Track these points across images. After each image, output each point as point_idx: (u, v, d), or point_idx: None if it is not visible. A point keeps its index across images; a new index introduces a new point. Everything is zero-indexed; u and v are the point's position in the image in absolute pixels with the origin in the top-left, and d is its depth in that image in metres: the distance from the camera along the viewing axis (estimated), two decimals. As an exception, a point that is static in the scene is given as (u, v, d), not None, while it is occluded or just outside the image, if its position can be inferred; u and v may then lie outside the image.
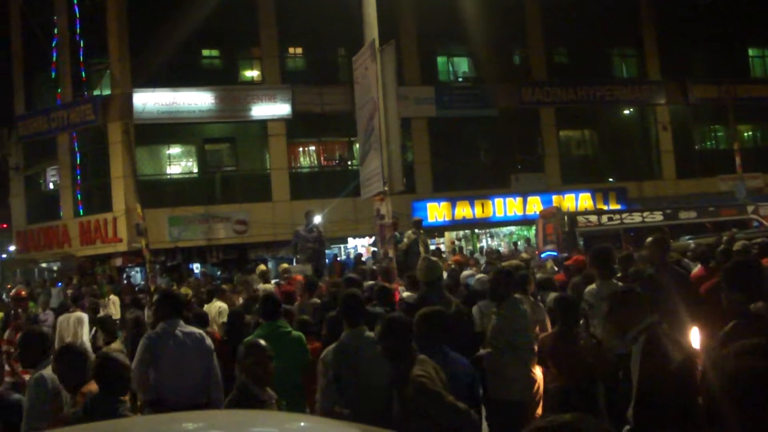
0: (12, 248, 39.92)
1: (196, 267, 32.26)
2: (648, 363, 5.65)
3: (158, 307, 8.95)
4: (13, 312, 18.57)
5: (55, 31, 34.40)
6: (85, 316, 14.87)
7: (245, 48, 35.54)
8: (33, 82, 36.44)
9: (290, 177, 33.97)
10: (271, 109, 33.62)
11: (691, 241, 19.43)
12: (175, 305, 8.49)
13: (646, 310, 6.02)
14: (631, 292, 6.30)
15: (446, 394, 5.80)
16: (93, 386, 6.19)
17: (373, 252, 31.55)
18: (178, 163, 34.52)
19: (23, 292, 23.00)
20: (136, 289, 26.88)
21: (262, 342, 6.59)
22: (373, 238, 27.69)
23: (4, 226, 56.08)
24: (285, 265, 21.15)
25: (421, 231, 21.84)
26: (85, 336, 14.25)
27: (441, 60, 38.14)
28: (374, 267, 18.17)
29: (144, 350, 8.04)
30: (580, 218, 26.96)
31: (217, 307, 15.22)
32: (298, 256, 22.80)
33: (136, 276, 32.44)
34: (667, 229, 13.03)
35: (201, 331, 8.45)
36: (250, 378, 6.13)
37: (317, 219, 27.64)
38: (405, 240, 20.91)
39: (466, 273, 14.19)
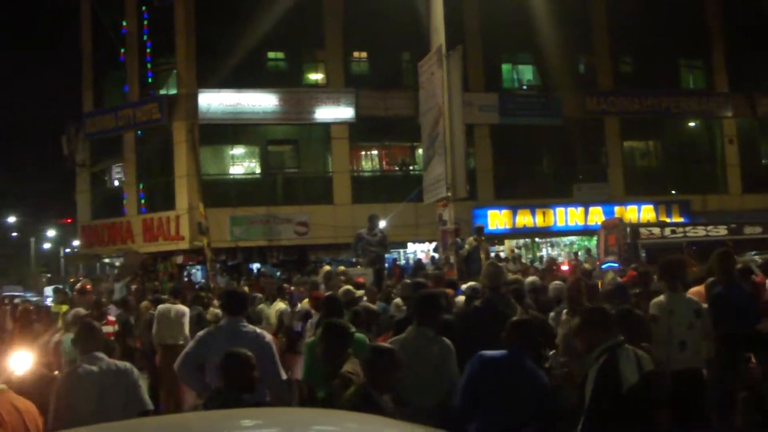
0: (76, 243, 40.58)
1: (256, 267, 32.40)
2: (601, 383, 5.91)
3: (223, 304, 8.97)
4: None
5: (124, 31, 34.86)
6: (186, 309, 14.99)
7: (310, 51, 35.70)
8: (101, 80, 37.03)
9: (352, 180, 34.09)
10: (335, 112, 33.75)
11: (756, 257, 19.11)
12: (240, 303, 8.51)
13: (612, 330, 6.22)
14: (599, 311, 6.51)
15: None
16: None
17: (432, 257, 31.53)
18: (241, 163, 34.82)
19: (88, 286, 23.33)
20: (196, 287, 27.12)
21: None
22: (434, 244, 27.62)
23: (69, 221, 57.11)
24: (341, 268, 21.16)
25: (483, 238, 21.77)
26: (186, 328, 14.38)
27: (505, 67, 37.98)
28: (437, 272, 18.14)
29: (197, 344, 8.09)
30: (642, 230, 26.72)
31: (277, 308, 15.28)
32: (359, 259, 22.76)
33: (197, 274, 32.71)
34: (731, 244, 12.83)
35: (260, 330, 8.45)
36: (372, 383, 5.99)
37: (381, 223, 27.75)
38: (466, 246, 20.87)
39: (530, 279, 14.05)
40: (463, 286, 12.85)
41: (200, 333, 8.43)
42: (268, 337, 8.38)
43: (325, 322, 8.03)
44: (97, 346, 7.30)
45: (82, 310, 13.16)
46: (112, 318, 14.99)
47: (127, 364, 7.47)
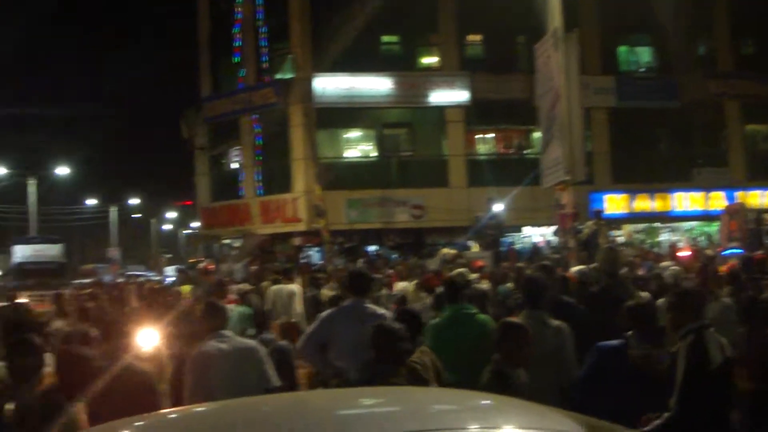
0: (196, 224, 41.45)
1: (372, 249, 32.57)
2: (692, 359, 6.09)
3: (348, 285, 9.00)
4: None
5: (239, 17, 35.33)
6: (298, 288, 15.25)
7: (424, 35, 35.70)
8: (218, 66, 37.64)
9: (467, 164, 33.93)
10: (450, 95, 33.67)
11: None
12: (365, 284, 8.53)
13: (700, 313, 6.56)
14: (691, 294, 6.83)
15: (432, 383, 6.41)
16: None
17: (548, 242, 31.27)
18: (357, 146, 35.04)
19: (211, 266, 23.85)
20: (313, 268, 27.41)
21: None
22: (551, 228, 27.35)
23: (188, 203, 58.32)
24: (453, 251, 21.15)
25: (602, 222, 21.50)
26: (298, 308, 14.60)
27: (622, 49, 37.31)
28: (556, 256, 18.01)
29: (321, 324, 8.13)
30: (766, 216, 25.95)
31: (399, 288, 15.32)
32: (477, 242, 22.69)
33: (314, 256, 33.06)
34: None
35: (382, 311, 8.44)
36: (505, 359, 6.04)
37: (498, 207, 27.62)
38: (585, 231, 20.64)
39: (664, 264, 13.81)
40: (572, 270, 12.70)
41: (324, 313, 8.47)
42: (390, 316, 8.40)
43: (398, 309, 8.05)
44: (223, 324, 7.48)
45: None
46: (234, 297, 15.26)
47: (254, 342, 7.62)
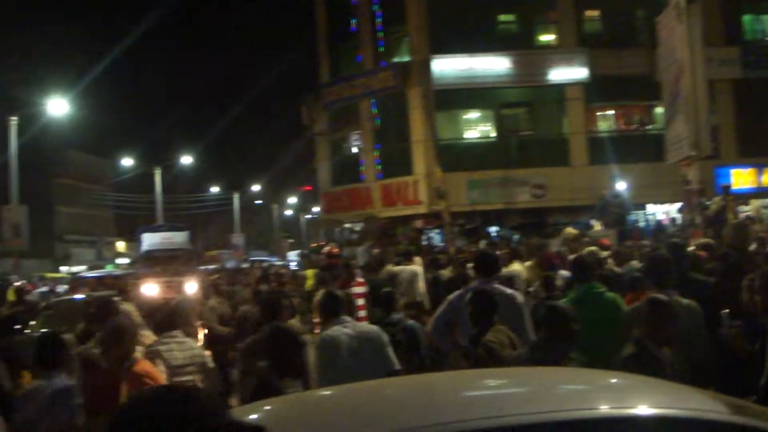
0: (317, 209, 42.03)
1: (494, 230, 32.49)
2: None
3: (474, 266, 9.04)
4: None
5: (354, 2, 35.65)
6: (420, 269, 15.44)
7: (541, 12, 35.32)
8: (336, 51, 38.07)
9: (588, 142, 33.47)
10: (568, 72, 33.26)
11: None
12: (492, 265, 8.55)
13: None
14: None
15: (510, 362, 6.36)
16: None
17: (672, 219, 30.64)
18: (476, 127, 34.95)
19: (335, 250, 24.11)
20: (434, 250, 27.50)
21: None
22: (676, 205, 26.85)
23: (309, 188, 59.16)
24: (572, 231, 20.91)
25: (730, 198, 20.99)
26: (421, 288, 14.79)
27: (747, 18, 36.10)
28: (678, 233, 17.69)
29: (449, 306, 8.19)
30: None
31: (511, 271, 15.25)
32: (601, 221, 22.41)
33: (435, 238, 33.15)
34: None
35: (511, 291, 8.44)
36: (650, 336, 6.02)
37: (622, 185, 27.20)
38: (712, 206, 20.19)
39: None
40: (695, 242, 12.47)
41: (451, 296, 8.53)
42: (520, 298, 8.38)
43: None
44: (341, 310, 7.61)
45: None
46: (360, 280, 15.45)
47: (375, 327, 7.76)
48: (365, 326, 7.85)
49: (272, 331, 6.32)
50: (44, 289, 30.14)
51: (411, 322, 9.80)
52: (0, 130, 39.93)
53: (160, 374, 6.62)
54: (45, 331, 10.34)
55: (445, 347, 8.34)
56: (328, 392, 4.88)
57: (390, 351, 7.39)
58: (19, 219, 38.01)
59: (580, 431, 3.39)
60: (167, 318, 7.57)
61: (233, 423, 2.35)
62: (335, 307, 7.61)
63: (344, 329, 7.24)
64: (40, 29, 69.72)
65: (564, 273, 12.44)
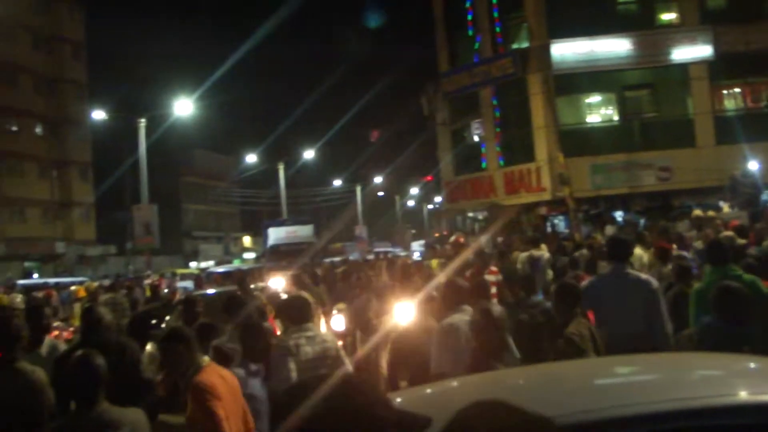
0: (439, 199, 42.14)
1: (619, 215, 32.08)
2: None
3: (608, 251, 9.00)
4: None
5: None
6: (546, 255, 15.52)
7: (662, -10, 34.60)
8: (454, 40, 38.08)
9: (714, 121, 32.62)
10: (692, 51, 32.50)
11: None
12: (624, 249, 8.50)
13: None
14: None
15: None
16: None
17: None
18: (598, 111, 34.51)
19: (462, 239, 24.22)
20: (560, 237, 27.34)
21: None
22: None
23: (430, 178, 59.28)
24: (711, 213, 20.50)
25: None
26: (549, 274, 14.87)
27: None
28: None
29: (585, 292, 8.16)
30: None
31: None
32: (730, 202, 21.90)
33: (560, 224, 32.94)
34: None
35: (645, 276, 8.37)
36: None
37: (753, 164, 26.50)
38: None
39: None
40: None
41: (585, 282, 8.55)
42: (655, 283, 8.29)
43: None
44: (462, 300, 7.69)
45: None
46: (494, 268, 15.51)
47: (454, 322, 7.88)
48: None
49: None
50: (185, 284, 31.10)
51: (549, 304, 9.94)
52: (129, 132, 41.33)
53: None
54: (173, 326, 10.77)
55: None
56: (469, 380, 4.92)
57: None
58: (150, 217, 39.26)
59: (717, 419, 3.32)
60: (298, 311, 7.77)
61: (401, 413, 2.45)
62: (458, 298, 7.76)
63: (464, 317, 7.34)
64: (164, 33, 71.56)
65: (685, 255, 12.31)
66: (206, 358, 6.00)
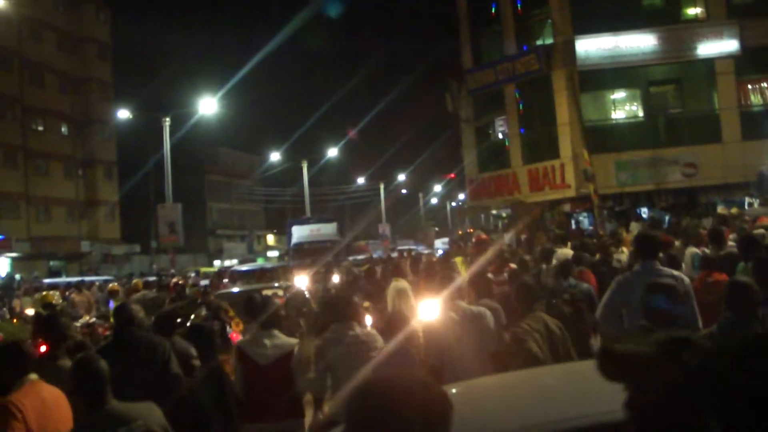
0: (462, 196, 42.08)
1: (644, 212, 31.91)
2: None
3: (636, 248, 8.95)
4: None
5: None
6: (570, 252, 15.48)
7: (687, -15, 34.36)
8: (478, 37, 37.99)
9: (741, 117, 32.26)
10: (718, 46, 32.20)
11: None
12: (651, 247, 8.42)
13: None
14: None
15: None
16: None
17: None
18: (623, 107, 34.32)
19: (483, 236, 24.25)
20: (585, 233, 27.25)
21: None
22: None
23: (453, 176, 59.14)
24: (735, 210, 20.35)
25: None
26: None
27: None
28: None
29: (615, 292, 8.10)
30: None
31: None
32: (758, 198, 21.75)
33: (584, 221, 32.81)
34: None
35: (677, 273, 8.27)
36: None
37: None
38: None
39: None
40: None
41: (616, 279, 8.48)
42: (687, 280, 8.22)
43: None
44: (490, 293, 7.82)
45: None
46: (513, 265, 15.49)
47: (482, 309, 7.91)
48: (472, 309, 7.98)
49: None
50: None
51: (585, 284, 10.20)
52: (154, 131, 41.57)
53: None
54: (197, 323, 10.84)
55: (614, 333, 8.05)
56: (502, 379, 4.90)
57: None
58: (174, 216, 39.48)
59: None
60: (341, 309, 7.75)
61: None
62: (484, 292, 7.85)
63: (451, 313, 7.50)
64: (188, 33, 71.88)
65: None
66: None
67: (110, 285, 26.07)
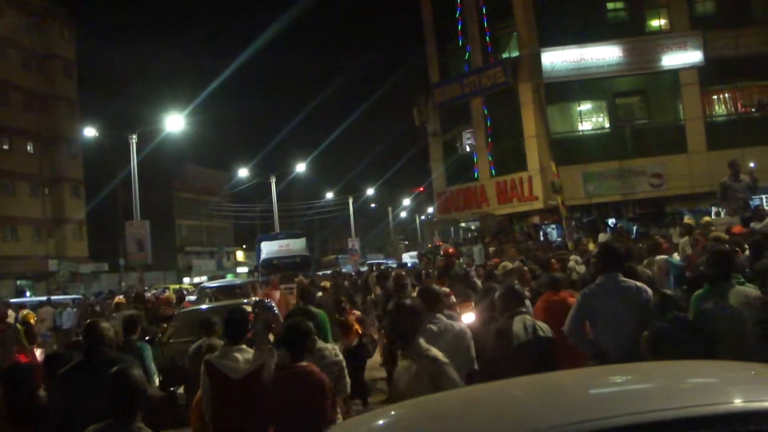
0: (431, 210, 42.11)
1: (612, 222, 32.02)
2: None
3: (597, 261, 8.88)
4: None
5: (459, 0, 35.63)
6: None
7: (651, -4, 34.65)
8: (444, 51, 38.10)
9: (706, 127, 32.56)
10: (682, 57, 32.48)
11: None
12: (615, 259, 8.36)
13: None
14: None
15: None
16: None
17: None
18: (589, 119, 34.48)
19: (451, 250, 24.17)
20: (553, 245, 27.26)
21: None
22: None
23: (421, 189, 59.25)
24: (706, 219, 20.40)
25: None
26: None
27: None
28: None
29: (580, 305, 8.05)
30: None
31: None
32: (724, 208, 21.83)
33: (552, 233, 32.89)
34: None
35: (639, 284, 8.22)
36: None
37: (744, 169, 26.40)
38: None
39: None
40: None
41: (580, 295, 8.41)
42: (650, 292, 8.18)
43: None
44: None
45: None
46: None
47: (461, 324, 8.00)
48: (452, 323, 7.88)
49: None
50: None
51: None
52: (121, 149, 41.29)
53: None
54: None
55: (583, 348, 7.98)
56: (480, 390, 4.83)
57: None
58: (143, 234, 39.18)
59: (713, 427, 3.21)
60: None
61: None
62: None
63: (432, 326, 7.46)
64: (155, 50, 71.74)
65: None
66: None
67: (117, 298, 25.84)
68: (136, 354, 9.79)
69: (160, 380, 11.03)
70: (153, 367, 10.50)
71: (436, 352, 5.71)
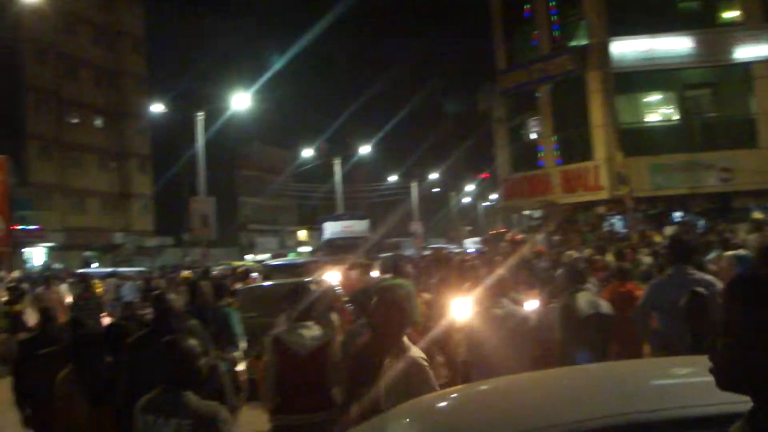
0: (495, 196, 42.02)
1: (678, 216, 31.68)
2: None
3: (668, 252, 8.89)
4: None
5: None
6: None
7: (724, -12, 34.05)
8: (512, 37, 37.88)
9: (780, 122, 32.02)
10: (756, 50, 31.87)
11: None
12: (685, 251, 8.36)
13: None
14: None
15: None
16: None
17: None
18: (658, 110, 34.10)
19: (519, 236, 24.28)
20: (618, 237, 27.11)
21: None
22: None
23: (486, 175, 59.08)
24: (758, 215, 20.14)
25: None
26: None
27: None
28: None
29: (649, 295, 8.11)
30: None
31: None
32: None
33: (618, 224, 32.61)
34: None
35: (709, 277, 8.19)
36: None
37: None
38: None
39: None
40: None
41: (649, 283, 8.49)
42: (718, 285, 8.14)
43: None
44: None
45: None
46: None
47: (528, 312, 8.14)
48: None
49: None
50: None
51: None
52: (187, 125, 41.76)
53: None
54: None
55: (644, 335, 8.20)
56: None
57: None
58: (207, 210, 39.63)
59: None
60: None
61: None
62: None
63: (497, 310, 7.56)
64: (223, 27, 72.23)
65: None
66: None
67: (183, 272, 26.36)
68: (223, 318, 10.14)
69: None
70: (239, 330, 10.57)
71: (416, 350, 5.62)
